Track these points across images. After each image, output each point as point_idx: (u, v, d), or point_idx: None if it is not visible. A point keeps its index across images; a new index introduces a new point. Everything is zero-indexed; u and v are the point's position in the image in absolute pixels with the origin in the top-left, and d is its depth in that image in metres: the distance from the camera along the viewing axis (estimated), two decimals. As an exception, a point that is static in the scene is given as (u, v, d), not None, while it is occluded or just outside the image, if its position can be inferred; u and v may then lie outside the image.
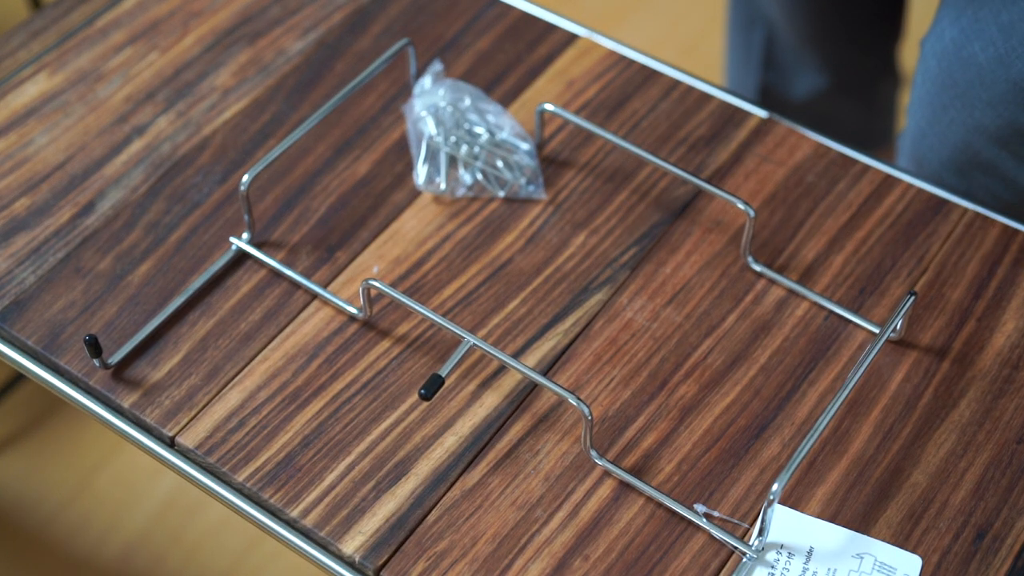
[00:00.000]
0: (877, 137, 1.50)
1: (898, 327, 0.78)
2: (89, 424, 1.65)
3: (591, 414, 0.71)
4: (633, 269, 0.83)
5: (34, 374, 0.80)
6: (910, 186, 0.87)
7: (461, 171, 0.87)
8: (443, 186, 0.87)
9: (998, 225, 0.85)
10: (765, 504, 0.68)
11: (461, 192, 0.87)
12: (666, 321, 0.80)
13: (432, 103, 0.89)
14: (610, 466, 0.73)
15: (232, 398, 0.77)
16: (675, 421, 0.76)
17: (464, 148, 0.87)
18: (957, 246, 0.84)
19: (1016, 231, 0.84)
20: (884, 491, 0.72)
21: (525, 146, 0.89)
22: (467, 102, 0.90)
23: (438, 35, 0.97)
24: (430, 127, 0.88)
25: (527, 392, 0.77)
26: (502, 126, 0.89)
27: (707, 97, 0.93)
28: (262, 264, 0.83)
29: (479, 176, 0.87)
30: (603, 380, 0.77)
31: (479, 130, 0.89)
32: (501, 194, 0.86)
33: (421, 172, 0.87)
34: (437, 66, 0.92)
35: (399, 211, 0.87)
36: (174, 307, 0.81)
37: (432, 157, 0.88)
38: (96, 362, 0.78)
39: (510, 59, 0.95)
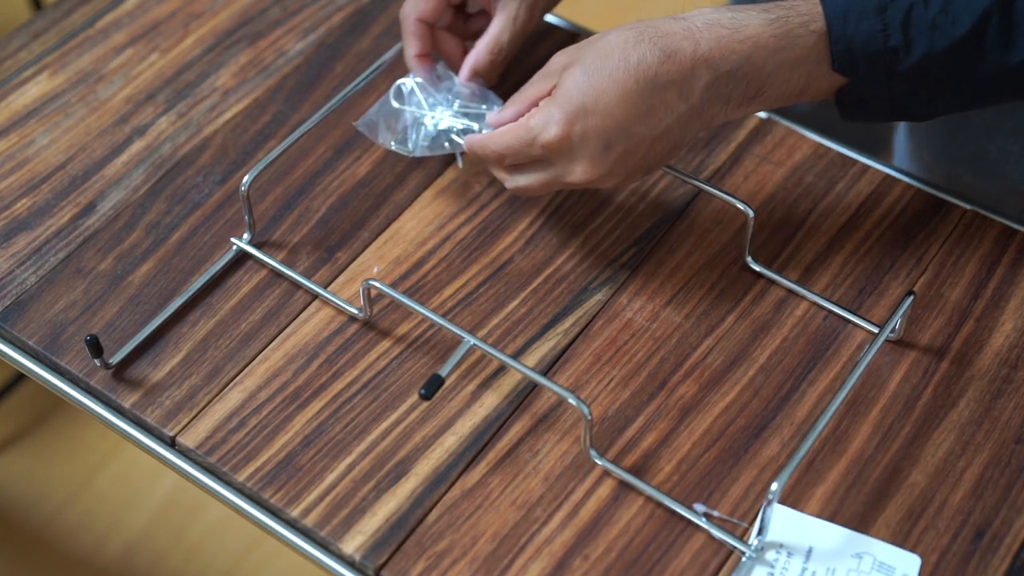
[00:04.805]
0: (879, 143, 1.51)
1: (897, 327, 0.78)
2: (90, 424, 1.66)
3: (591, 414, 0.71)
4: (633, 269, 0.83)
5: (35, 374, 0.80)
6: (909, 186, 0.87)
7: (424, 128, 0.85)
8: (399, 141, 0.84)
9: (997, 225, 0.85)
10: (764, 503, 0.68)
11: (420, 152, 0.84)
12: (666, 321, 0.80)
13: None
14: (610, 466, 0.73)
15: (233, 398, 0.77)
16: (675, 421, 0.76)
17: (438, 110, 0.85)
18: (956, 246, 0.84)
19: (1015, 231, 0.84)
20: (883, 491, 0.73)
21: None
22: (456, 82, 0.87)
23: (438, 36, 0.97)
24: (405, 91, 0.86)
25: (527, 392, 0.77)
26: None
27: (707, 97, 0.93)
28: (263, 264, 0.84)
29: (444, 135, 0.84)
30: (603, 380, 0.78)
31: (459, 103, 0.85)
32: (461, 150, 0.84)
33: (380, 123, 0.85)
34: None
35: (399, 211, 0.87)
36: (175, 307, 0.81)
37: (397, 116, 0.85)
38: (97, 362, 0.78)
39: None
